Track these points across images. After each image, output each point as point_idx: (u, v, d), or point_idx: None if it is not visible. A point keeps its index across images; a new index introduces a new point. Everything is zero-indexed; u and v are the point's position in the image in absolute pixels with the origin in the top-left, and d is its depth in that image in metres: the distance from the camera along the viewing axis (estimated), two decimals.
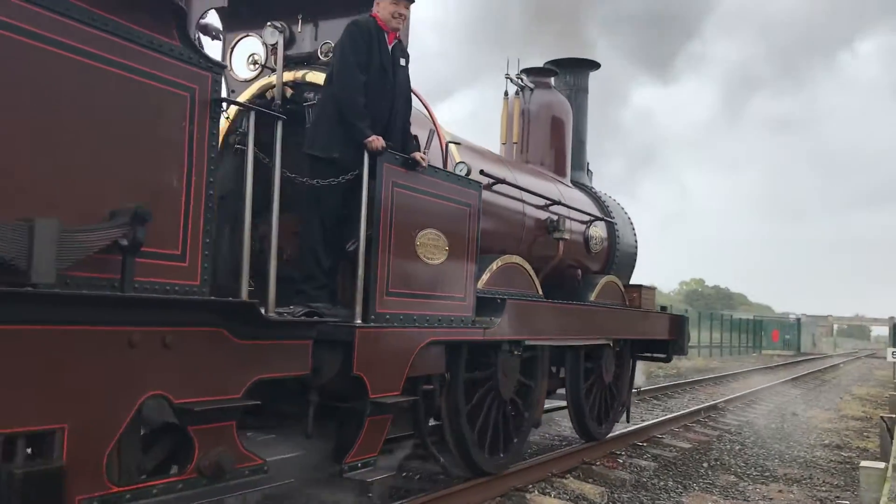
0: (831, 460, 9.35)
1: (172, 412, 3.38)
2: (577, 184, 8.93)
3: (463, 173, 5.48)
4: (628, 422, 9.37)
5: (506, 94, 8.43)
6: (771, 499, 7.20)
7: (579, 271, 8.07)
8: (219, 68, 3.67)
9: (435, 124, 5.55)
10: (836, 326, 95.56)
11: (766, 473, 8.29)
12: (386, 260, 4.47)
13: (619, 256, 8.88)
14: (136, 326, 3.10)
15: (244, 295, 3.73)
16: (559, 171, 8.54)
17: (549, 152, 8.53)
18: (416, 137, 5.04)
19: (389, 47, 4.71)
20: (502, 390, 6.06)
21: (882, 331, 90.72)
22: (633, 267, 9.44)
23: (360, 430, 4.30)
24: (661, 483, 7.41)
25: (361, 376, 4.21)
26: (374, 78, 4.55)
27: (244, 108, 3.85)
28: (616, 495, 6.72)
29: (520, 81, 8.45)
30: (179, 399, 3.29)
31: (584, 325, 7.17)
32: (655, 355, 9.52)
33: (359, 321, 4.27)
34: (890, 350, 24.09)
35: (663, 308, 10.04)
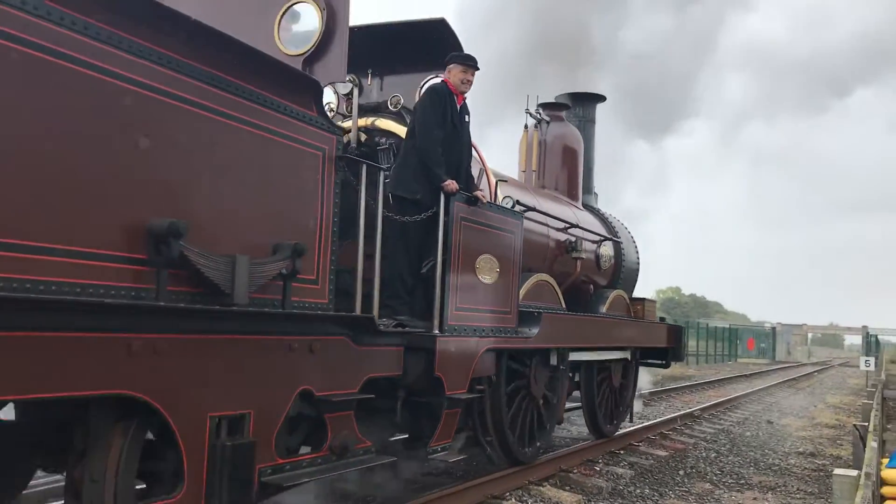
0: (805, 468, 9.51)
1: (309, 404, 4.32)
2: (587, 206, 9.95)
3: (508, 206, 6.46)
4: (631, 421, 10.36)
5: (525, 126, 9.42)
6: None
7: (592, 286, 9.08)
8: (340, 131, 4.62)
9: (484, 165, 6.54)
10: (810, 335, 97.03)
11: (742, 481, 8.44)
12: (455, 281, 5.43)
13: (624, 272, 9.92)
14: (294, 336, 4.05)
15: (358, 311, 4.67)
16: (572, 195, 9.55)
17: (563, 178, 9.54)
18: (472, 177, 6.01)
19: (458, 107, 5.68)
20: (533, 390, 7.04)
21: (855, 340, 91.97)
22: (636, 281, 10.48)
23: (438, 421, 5.25)
24: (638, 491, 7.50)
25: (440, 377, 5.17)
26: (448, 133, 5.53)
27: (356, 161, 4.77)
28: (593, 503, 6.84)
29: (537, 115, 9.46)
30: (320, 392, 4.23)
31: (603, 335, 8.19)
32: (655, 361, 10.56)
33: (436, 331, 5.23)
34: (863, 359, 25.03)
35: (661, 319, 11.07)
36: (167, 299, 3.33)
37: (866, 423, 7.11)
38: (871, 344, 58.25)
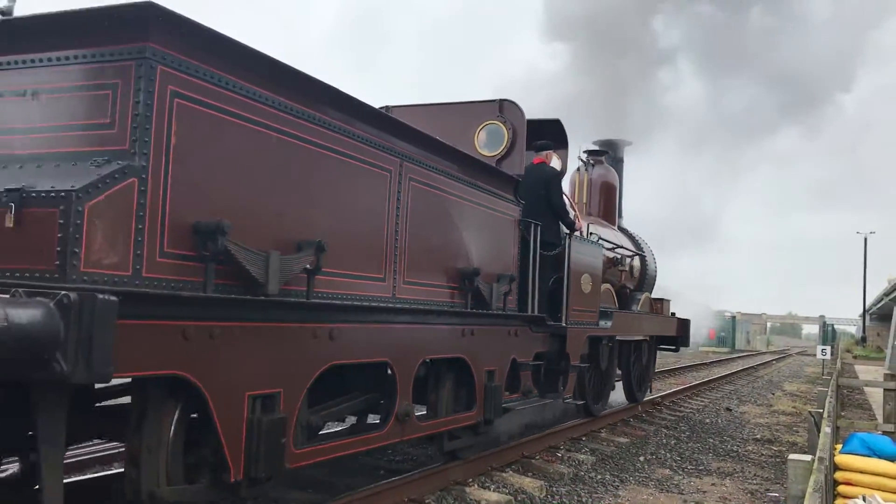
0: (762, 454, 9.83)
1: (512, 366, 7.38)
2: (620, 228, 13.09)
3: (595, 240, 9.58)
4: (650, 392, 13.54)
5: (577, 169, 12.51)
6: (704, 492, 7.57)
7: (627, 290, 12.25)
8: (522, 203, 7.64)
9: (576, 211, 9.62)
10: (769, 324, 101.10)
11: (700, 467, 8.72)
12: (569, 290, 8.51)
13: (647, 278, 13.11)
14: (505, 326, 7.11)
15: (534, 311, 7.70)
16: (611, 220, 12.67)
17: (605, 207, 12.65)
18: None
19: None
20: (601, 364, 10.18)
21: (813, 329, 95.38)
22: (654, 284, 13.67)
23: (567, 381, 8.35)
24: (599, 477, 7.73)
25: (568, 353, 8.27)
26: None
27: (529, 222, 7.76)
28: (554, 489, 7.01)
29: (584, 160, 12.56)
30: (520, 359, 7.29)
31: (640, 326, 11.39)
32: (668, 347, 13.82)
33: (564, 324, 8.31)
34: (819, 348, 26.56)
35: (673, 314, 14.30)
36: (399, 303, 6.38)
37: (821, 410, 7.31)
38: (828, 333, 62.14)
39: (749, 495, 7.48)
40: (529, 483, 6.93)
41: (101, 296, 3.01)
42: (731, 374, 23.88)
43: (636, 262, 12.68)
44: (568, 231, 8.46)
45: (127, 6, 3.47)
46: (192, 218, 3.75)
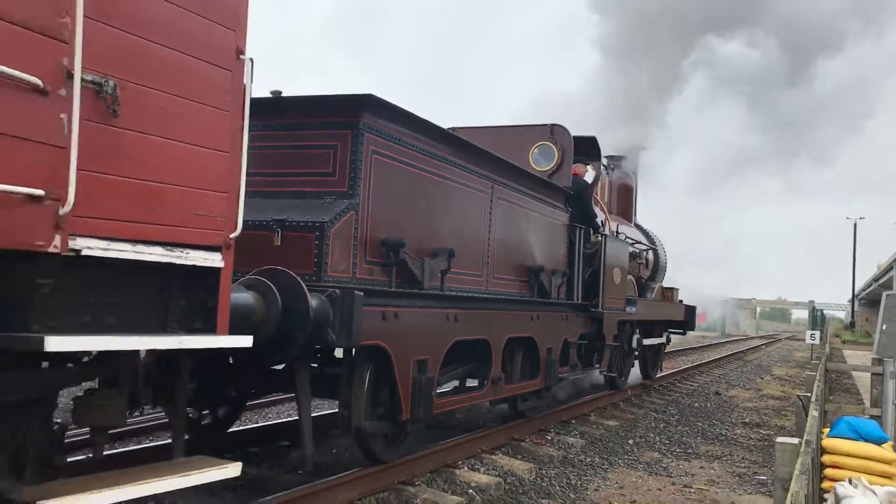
0: (751, 437, 9.91)
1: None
2: (636, 224, 14.77)
3: (623, 239, 11.27)
4: (661, 370, 15.26)
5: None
6: (693, 475, 7.56)
7: (643, 280, 13.95)
8: (570, 209, 9.29)
9: (605, 213, 11.28)
10: (759, 309, 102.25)
11: (689, 450, 8.72)
12: (605, 281, 10.19)
13: (660, 269, 14.81)
14: (560, 312, 8.79)
15: (579, 300, 9.39)
16: (628, 218, 14.35)
17: (623, 207, 14.31)
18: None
19: None
20: (623, 344, 11.89)
21: (802, 314, 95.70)
22: (665, 274, 15.38)
23: (603, 357, 10.05)
24: (588, 459, 7.73)
25: (605, 334, 9.97)
26: None
27: (576, 226, 9.43)
28: (544, 471, 7.00)
29: (604, 164, 14.21)
30: (570, 339, 8.98)
31: (656, 312, 13.12)
32: (676, 331, 15.55)
33: (601, 310, 9.99)
34: (808, 332, 26.63)
35: (680, 301, 16.02)
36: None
37: (809, 395, 7.23)
38: (817, 318, 63.53)
39: (737, 478, 7.53)
40: (519, 465, 6.97)
41: (357, 292, 4.68)
42: (721, 359, 24.07)
43: (650, 255, 14.37)
44: (594, 232, 10.14)
45: (354, 96, 5.13)
46: (382, 236, 5.41)
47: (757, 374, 20.07)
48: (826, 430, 6.11)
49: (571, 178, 9.48)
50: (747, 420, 11.38)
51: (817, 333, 25.67)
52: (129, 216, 3.08)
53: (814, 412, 6.05)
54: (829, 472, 5.68)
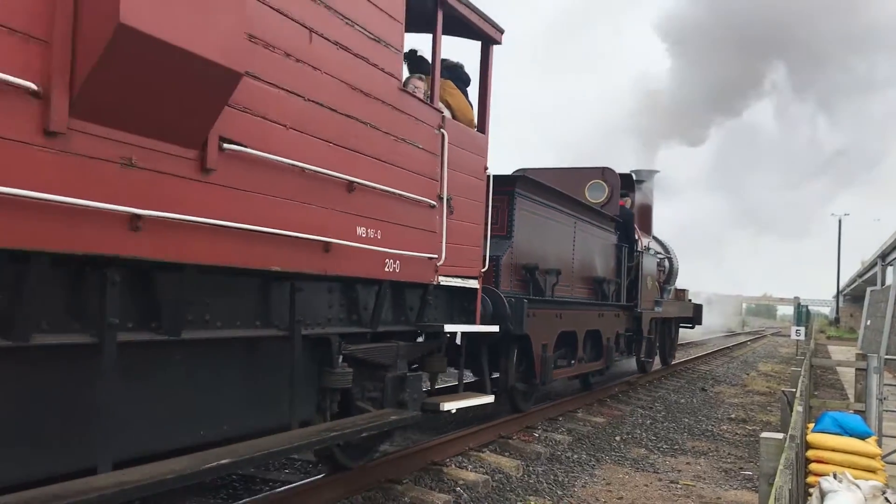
0: (737, 433, 9.92)
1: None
2: (654, 237, 17.73)
3: (651, 253, 14.23)
4: (672, 361, 18.19)
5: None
6: (679, 470, 7.56)
7: (660, 283, 16.91)
8: (618, 233, 12.21)
9: (639, 233, 14.22)
10: (744, 305, 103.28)
11: (676, 447, 8.71)
12: (643, 286, 13.10)
13: (674, 274, 17.78)
14: (613, 311, 11.73)
15: (625, 302, 12.31)
16: (648, 231, 17.28)
17: (644, 221, 17.21)
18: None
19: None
20: (653, 337, 14.84)
21: (788, 310, 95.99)
22: (677, 278, 18.36)
23: (639, 347, 13.00)
24: (576, 456, 7.74)
25: (642, 329, 12.92)
26: None
27: (622, 245, 12.35)
28: (531, 468, 6.99)
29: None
30: (621, 332, 11.91)
31: (673, 310, 16.13)
32: (686, 326, 18.56)
33: (640, 309, 12.91)
34: (794, 328, 26.32)
35: (689, 300, 18.99)
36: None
37: (794, 390, 7.10)
38: (803, 314, 65.13)
39: (723, 473, 7.57)
40: (507, 462, 6.99)
41: (524, 299, 7.61)
42: (706, 355, 23.81)
43: (666, 263, 17.35)
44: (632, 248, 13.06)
45: (515, 176, 8.13)
46: (523, 262, 8.32)
47: (743, 370, 20.12)
48: (811, 426, 6.08)
49: (619, 207, 12.42)
50: (733, 416, 11.53)
51: (802, 329, 25.57)
52: (455, 263, 5.99)
53: (798, 407, 6.00)
54: (813, 466, 5.67)
